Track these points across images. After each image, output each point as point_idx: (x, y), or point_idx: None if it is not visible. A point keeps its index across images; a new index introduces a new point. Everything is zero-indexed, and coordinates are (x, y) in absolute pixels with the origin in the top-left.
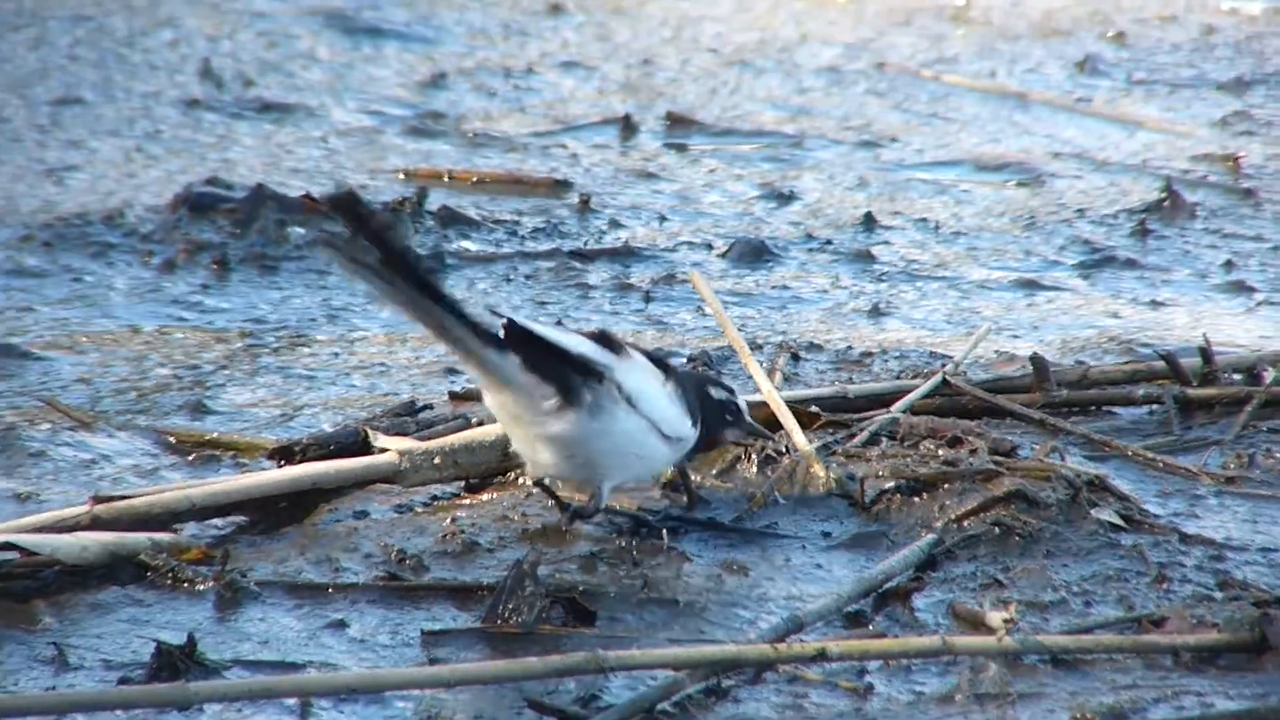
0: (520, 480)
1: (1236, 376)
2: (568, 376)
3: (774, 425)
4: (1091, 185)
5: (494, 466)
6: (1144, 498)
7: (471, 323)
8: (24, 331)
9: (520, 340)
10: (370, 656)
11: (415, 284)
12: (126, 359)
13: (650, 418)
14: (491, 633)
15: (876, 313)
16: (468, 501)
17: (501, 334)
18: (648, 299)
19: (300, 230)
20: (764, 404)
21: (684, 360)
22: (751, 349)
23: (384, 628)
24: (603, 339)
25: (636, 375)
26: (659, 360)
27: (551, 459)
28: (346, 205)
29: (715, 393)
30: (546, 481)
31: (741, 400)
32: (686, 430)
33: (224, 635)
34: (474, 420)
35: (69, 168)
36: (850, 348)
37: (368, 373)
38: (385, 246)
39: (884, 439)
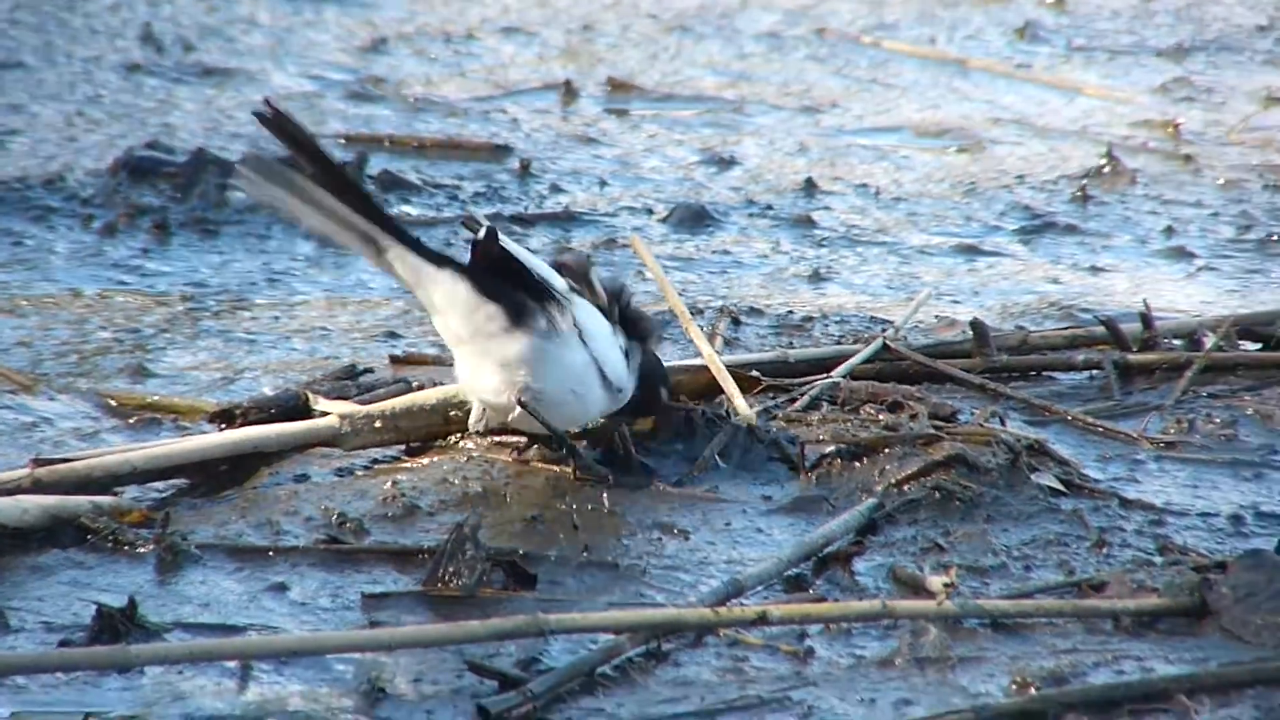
0: (461, 443)
1: (1177, 342)
2: (524, 299)
3: (715, 389)
4: (1032, 151)
5: (435, 430)
6: (1084, 462)
7: (421, 251)
8: None
9: (479, 269)
10: (311, 619)
11: (351, 198)
12: (67, 322)
13: (596, 357)
14: (432, 596)
15: (817, 278)
16: (408, 465)
17: (482, 236)
18: (589, 262)
19: (241, 194)
20: (705, 368)
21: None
22: (692, 313)
23: (324, 591)
24: (566, 269)
25: (589, 312)
26: (616, 298)
27: (494, 384)
28: (278, 123)
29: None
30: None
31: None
32: (625, 380)
33: (165, 598)
34: (414, 384)
35: (9, 132)
36: (791, 312)
37: (308, 336)
38: (321, 164)
39: (824, 404)
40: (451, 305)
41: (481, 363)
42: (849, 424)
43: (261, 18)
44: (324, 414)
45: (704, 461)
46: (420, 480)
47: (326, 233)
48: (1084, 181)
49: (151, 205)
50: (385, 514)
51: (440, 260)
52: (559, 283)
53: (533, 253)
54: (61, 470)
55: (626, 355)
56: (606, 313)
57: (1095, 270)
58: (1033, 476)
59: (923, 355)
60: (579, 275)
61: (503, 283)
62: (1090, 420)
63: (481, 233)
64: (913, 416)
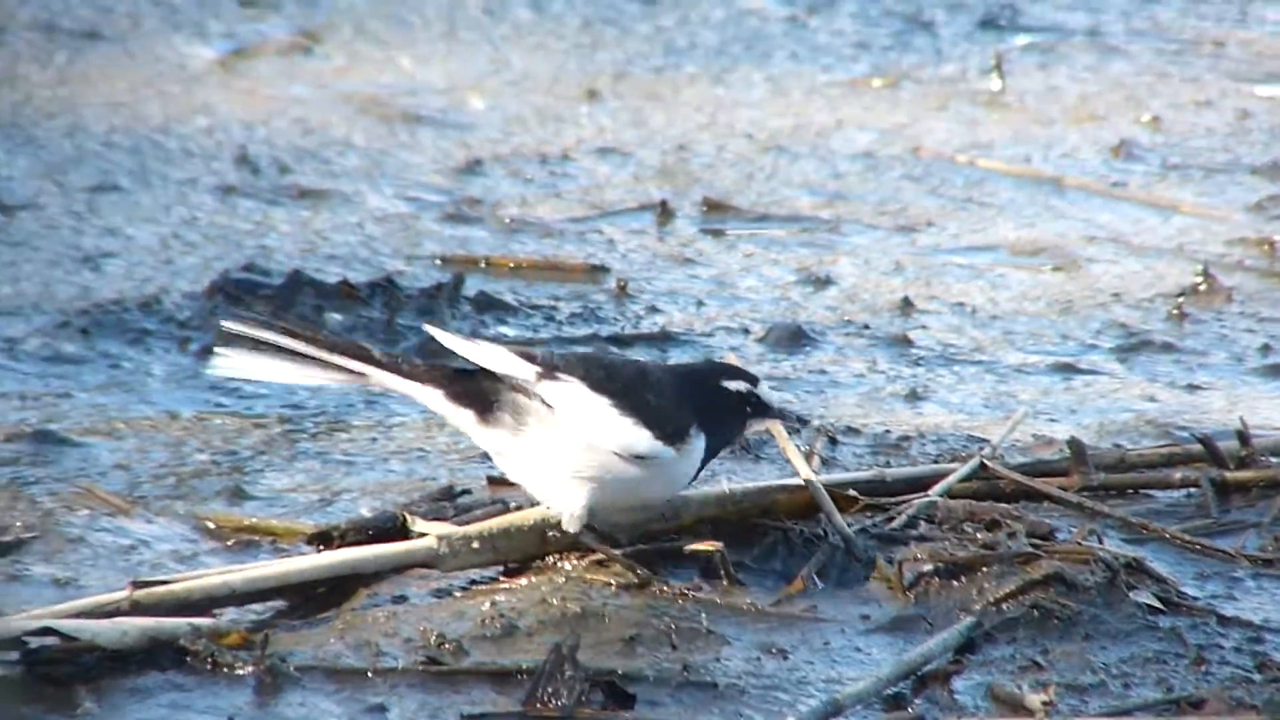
0: (559, 564)
1: (1274, 459)
2: (487, 394)
3: (813, 509)
4: (1127, 270)
5: (532, 550)
6: (1182, 580)
7: (399, 370)
8: (62, 418)
9: (451, 373)
10: None
11: (329, 345)
12: (165, 445)
13: (584, 432)
14: (531, 717)
15: (914, 397)
16: (506, 585)
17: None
18: None
19: (338, 316)
20: (803, 488)
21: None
22: (789, 433)
23: (423, 712)
24: (532, 356)
25: (573, 391)
26: (627, 374)
27: (508, 468)
28: (247, 332)
29: (732, 385)
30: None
31: (764, 388)
32: (646, 445)
33: None
34: (512, 505)
35: (105, 254)
36: (888, 431)
37: (406, 458)
38: (289, 329)
39: (922, 522)
40: (444, 415)
41: (506, 464)
42: (947, 542)
43: (357, 140)
44: (422, 535)
45: (802, 580)
46: (518, 601)
47: (319, 382)
48: (1180, 299)
49: (257, 316)
50: (484, 634)
51: (421, 377)
52: (520, 370)
53: (509, 345)
54: (160, 592)
55: (654, 412)
56: (611, 389)
57: (1192, 388)
58: (1131, 594)
59: (1020, 474)
60: (585, 362)
61: (472, 386)
62: (1188, 538)
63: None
64: (1010, 535)
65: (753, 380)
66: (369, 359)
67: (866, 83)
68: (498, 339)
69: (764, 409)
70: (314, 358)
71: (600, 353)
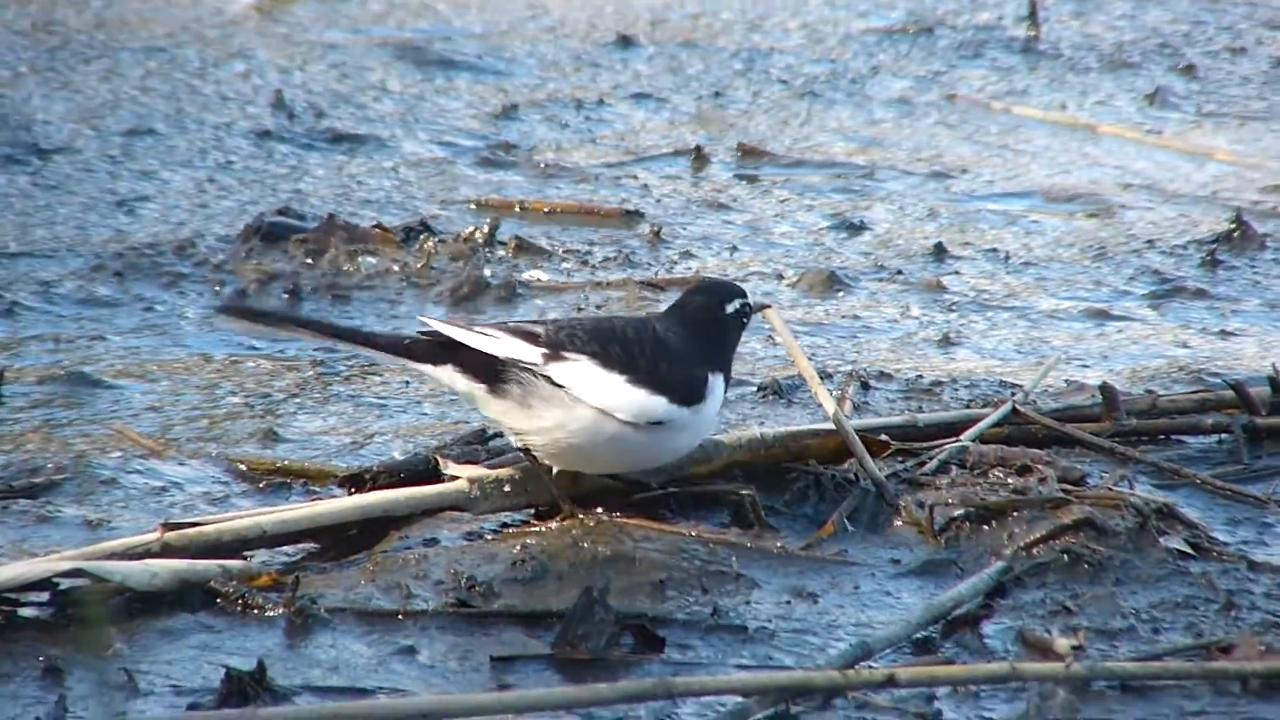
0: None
1: None
2: (496, 370)
3: (844, 453)
4: (1161, 216)
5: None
6: (1212, 525)
7: (407, 350)
8: (95, 360)
9: (448, 347)
10: (440, 683)
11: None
12: (197, 387)
13: (598, 406)
14: (561, 659)
15: (946, 342)
16: (537, 528)
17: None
18: None
19: (372, 259)
20: (834, 432)
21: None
22: (821, 378)
23: (453, 654)
24: (535, 335)
25: (576, 368)
26: (628, 336)
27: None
28: (243, 317)
29: (730, 307)
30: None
31: (752, 298)
32: (662, 410)
33: (294, 661)
34: None
35: (140, 198)
36: (920, 377)
37: (438, 401)
38: (295, 321)
39: (953, 467)
40: (454, 389)
41: (504, 426)
42: (978, 488)
43: (393, 85)
44: (453, 478)
45: (832, 525)
46: (549, 544)
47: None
48: (1213, 246)
49: (283, 271)
50: (514, 577)
51: (429, 358)
52: (526, 353)
53: (518, 326)
54: (191, 534)
55: (678, 382)
56: (623, 361)
57: (1224, 335)
58: (1161, 540)
59: (1052, 419)
60: (594, 332)
61: (483, 363)
62: (1219, 484)
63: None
64: (1041, 480)
65: (741, 291)
66: (375, 344)
67: (903, 29)
68: (501, 323)
69: (751, 310)
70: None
71: (603, 320)
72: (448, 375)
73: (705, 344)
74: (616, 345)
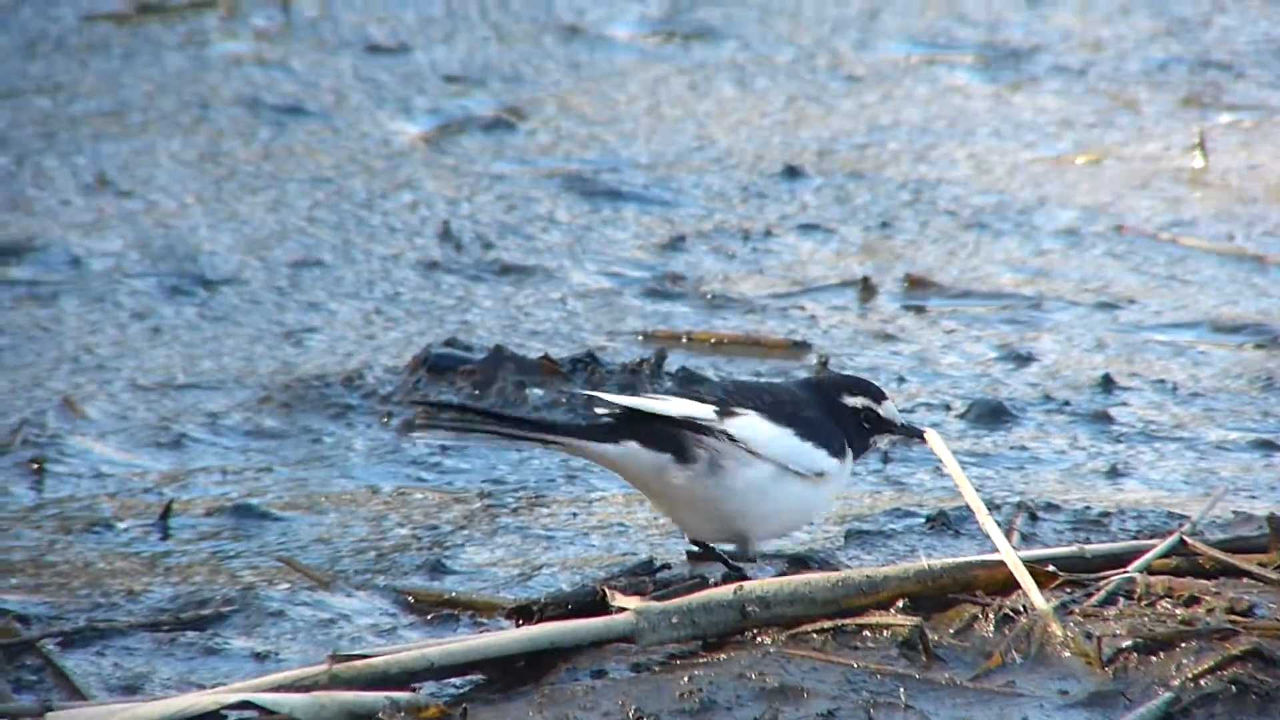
0: (758, 639)
1: None
2: (680, 439)
3: (1012, 584)
4: None
5: (731, 625)
6: None
7: (586, 433)
8: (263, 492)
9: (630, 422)
10: None
11: (520, 425)
12: (365, 519)
13: (776, 460)
14: None
15: (1114, 473)
16: (705, 659)
17: (610, 419)
18: (886, 459)
19: (539, 391)
20: (1002, 563)
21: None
22: (989, 509)
23: None
24: (701, 397)
25: (750, 423)
26: (783, 398)
27: (693, 518)
28: (440, 418)
29: (850, 401)
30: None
31: (887, 405)
32: (825, 463)
33: None
34: (711, 580)
35: (308, 329)
36: (1088, 508)
37: (606, 532)
38: (480, 413)
39: (1121, 598)
40: (639, 467)
41: (689, 511)
42: (1145, 618)
43: (560, 216)
44: (621, 610)
45: (999, 655)
46: (717, 675)
47: (513, 447)
48: None
49: (450, 403)
50: (682, 709)
51: (610, 437)
52: (700, 412)
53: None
54: (359, 666)
55: (816, 428)
56: (787, 415)
57: None
58: None
59: (1219, 551)
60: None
61: (657, 433)
62: None
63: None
64: (1209, 611)
65: (874, 395)
66: (554, 431)
67: (1070, 160)
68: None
69: (884, 425)
70: (506, 434)
71: (744, 381)
72: (630, 451)
73: (832, 416)
74: (769, 400)
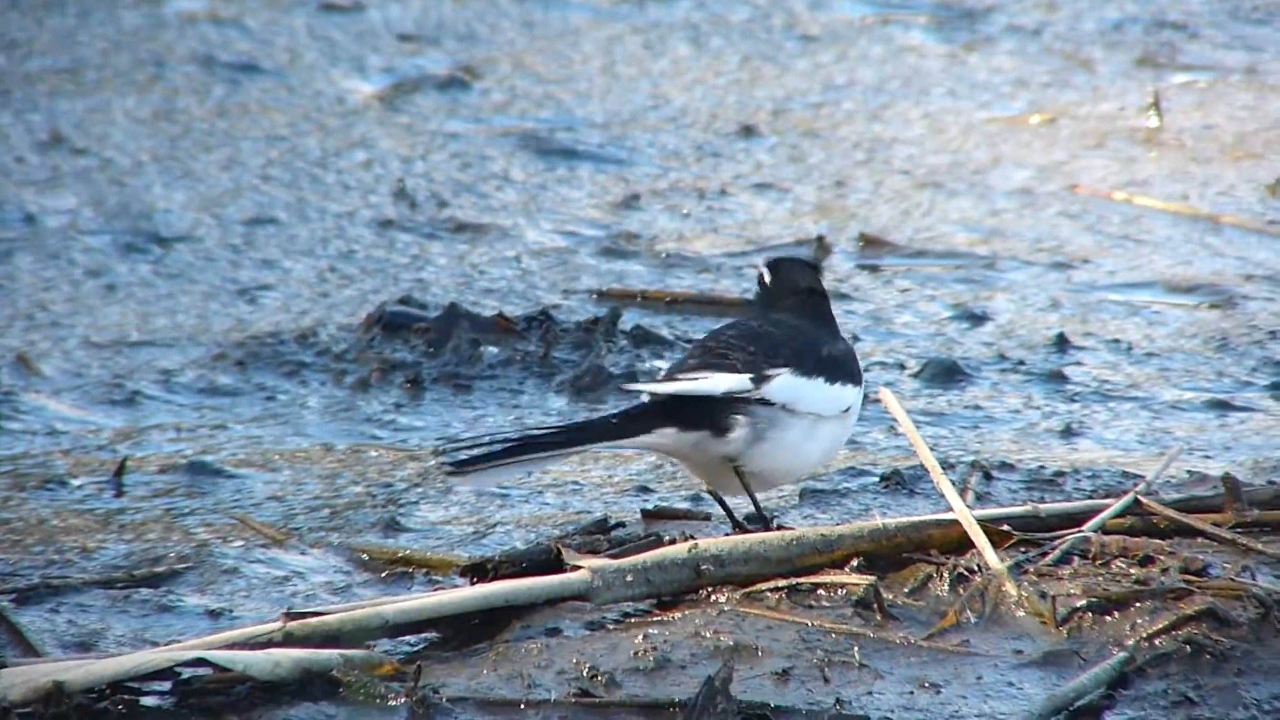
0: (712, 597)
1: None
2: (715, 413)
3: (966, 544)
4: None
5: (686, 584)
6: None
7: (618, 430)
8: (217, 449)
9: (660, 404)
10: None
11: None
12: (319, 477)
13: (813, 412)
14: None
15: (1069, 433)
16: (659, 618)
17: (639, 408)
18: None
19: (494, 350)
20: (956, 522)
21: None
22: (944, 468)
23: None
24: (733, 364)
25: (783, 384)
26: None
27: (727, 482)
28: (466, 466)
29: (815, 279)
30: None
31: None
32: (852, 396)
33: None
34: (666, 538)
35: (262, 287)
36: (1043, 467)
37: (560, 491)
38: (512, 446)
39: (1076, 558)
40: (677, 447)
41: (723, 477)
42: (1100, 578)
43: (515, 174)
44: (575, 568)
45: (954, 615)
46: (672, 633)
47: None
48: None
49: (404, 360)
50: (636, 667)
51: (644, 427)
52: (737, 384)
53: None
54: (313, 624)
55: (849, 369)
56: (809, 360)
57: None
58: None
59: (1174, 510)
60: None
61: (699, 411)
62: None
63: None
64: (1164, 571)
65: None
66: (588, 436)
67: (1024, 120)
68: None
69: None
70: (541, 457)
71: (755, 327)
72: (666, 436)
73: (826, 319)
74: (796, 347)
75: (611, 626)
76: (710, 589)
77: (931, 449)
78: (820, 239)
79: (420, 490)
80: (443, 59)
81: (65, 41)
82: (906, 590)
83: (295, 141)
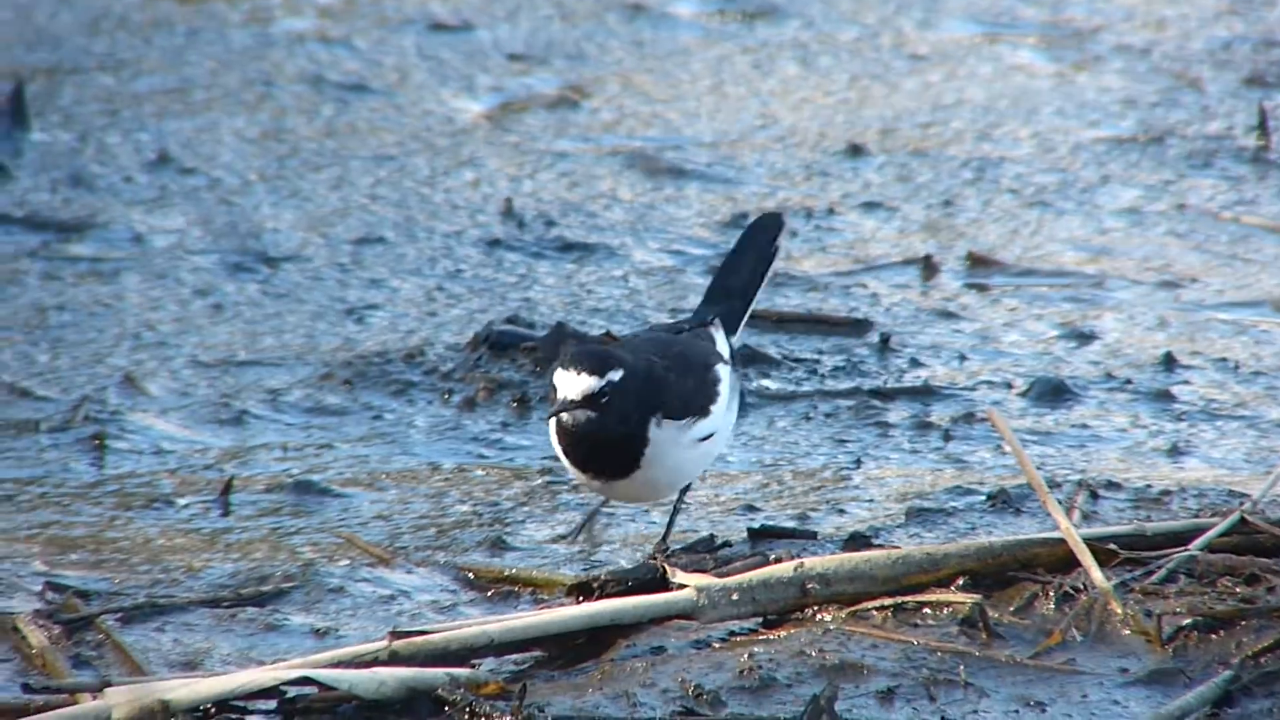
0: (818, 616)
1: None
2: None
3: (1072, 562)
4: None
5: (791, 602)
6: None
7: None
8: (324, 469)
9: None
10: None
11: None
12: (426, 496)
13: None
14: None
15: (1175, 451)
16: (765, 636)
17: None
18: (947, 437)
19: None
20: (1062, 541)
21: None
22: (1050, 487)
23: None
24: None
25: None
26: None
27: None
28: None
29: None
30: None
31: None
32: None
33: None
34: (772, 557)
35: (369, 306)
36: (1149, 486)
37: (666, 510)
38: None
39: (1181, 576)
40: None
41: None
42: (1205, 596)
43: (622, 193)
44: (681, 586)
45: (1060, 633)
46: (777, 652)
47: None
48: None
49: (511, 380)
50: (741, 686)
51: None
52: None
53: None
54: (419, 642)
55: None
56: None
57: None
58: None
59: None
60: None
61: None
62: None
63: None
64: (1270, 589)
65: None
66: None
67: (1133, 139)
68: None
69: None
70: None
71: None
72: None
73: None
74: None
75: (717, 645)
76: (816, 607)
77: (1038, 468)
78: (928, 258)
79: (526, 509)
80: (551, 78)
81: (174, 61)
82: (1012, 609)
83: (403, 161)
